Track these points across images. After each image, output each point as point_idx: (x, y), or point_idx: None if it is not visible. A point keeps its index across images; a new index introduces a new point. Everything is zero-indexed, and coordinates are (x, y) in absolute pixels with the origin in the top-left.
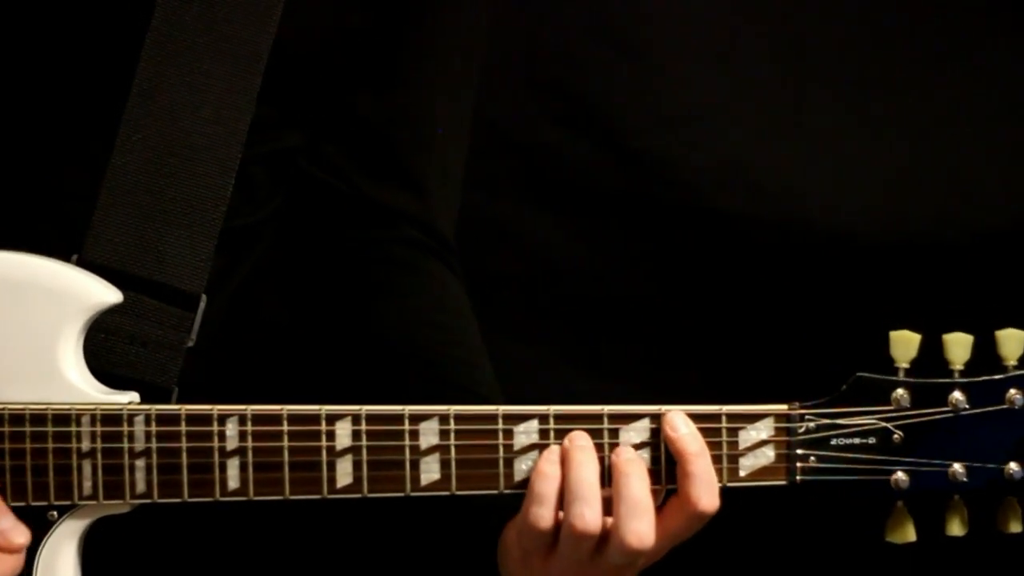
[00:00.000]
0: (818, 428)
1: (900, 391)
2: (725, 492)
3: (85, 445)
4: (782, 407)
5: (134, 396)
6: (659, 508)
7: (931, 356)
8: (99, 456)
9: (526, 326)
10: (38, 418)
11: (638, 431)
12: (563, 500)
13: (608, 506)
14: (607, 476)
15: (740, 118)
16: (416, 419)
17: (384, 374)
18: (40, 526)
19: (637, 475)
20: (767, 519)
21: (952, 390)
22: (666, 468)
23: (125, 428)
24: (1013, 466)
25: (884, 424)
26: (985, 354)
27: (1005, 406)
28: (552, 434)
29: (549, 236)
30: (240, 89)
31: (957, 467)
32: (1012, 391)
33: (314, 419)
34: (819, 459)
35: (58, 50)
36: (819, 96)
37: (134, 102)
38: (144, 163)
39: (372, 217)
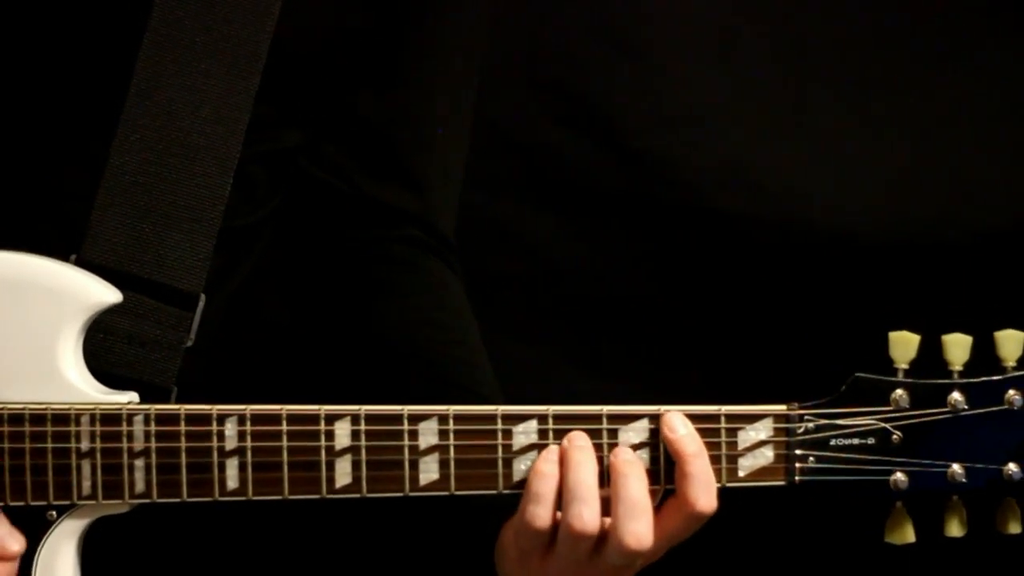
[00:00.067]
0: (817, 428)
1: (899, 392)
2: (724, 492)
3: (84, 445)
4: (781, 407)
5: (133, 396)
6: (657, 508)
7: (930, 357)
8: (98, 456)
9: (526, 326)
10: (37, 418)
11: (637, 431)
12: (561, 500)
13: (606, 506)
14: (606, 476)
15: (740, 118)
16: (415, 419)
17: (384, 373)
18: (39, 526)
19: (635, 476)
20: (766, 519)
21: (951, 391)
22: (665, 468)
23: (124, 428)
24: (1012, 467)
25: (883, 425)
26: (984, 355)
27: (1004, 407)
28: (551, 434)
29: (549, 236)
30: (239, 88)
31: (956, 468)
32: (1011, 392)
33: (313, 419)
34: (818, 459)
35: (57, 50)
36: (819, 96)
37: (132, 102)
38: (143, 163)
39: (372, 216)
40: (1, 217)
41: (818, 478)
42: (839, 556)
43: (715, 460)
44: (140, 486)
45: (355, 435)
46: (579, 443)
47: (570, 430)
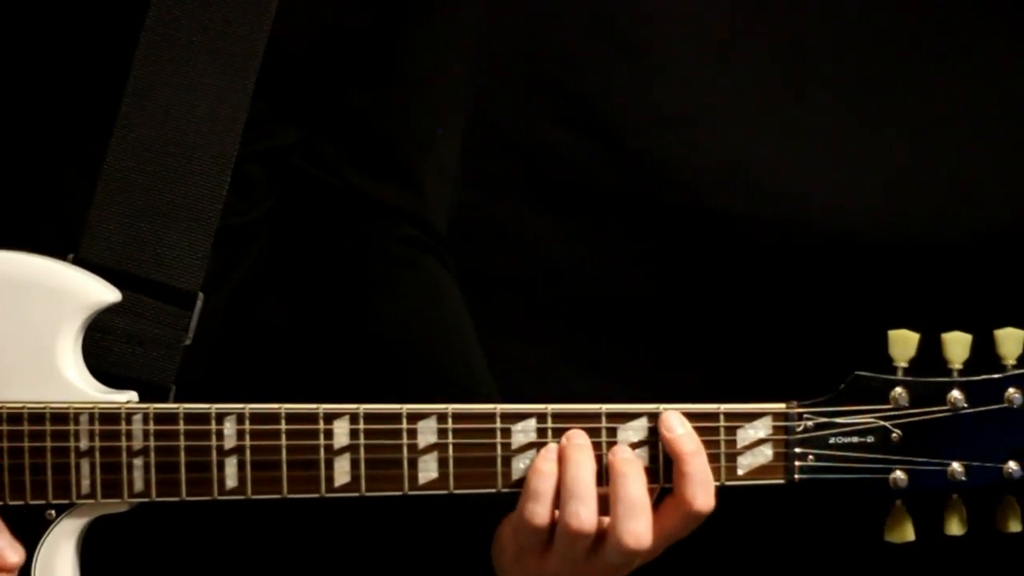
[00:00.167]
0: (816, 427)
1: (899, 390)
2: (723, 491)
3: (83, 444)
4: (780, 406)
5: (132, 395)
6: (654, 506)
7: (930, 355)
8: (97, 455)
9: (525, 326)
10: (36, 417)
11: (636, 430)
12: (559, 498)
13: (604, 505)
14: (604, 475)
15: (740, 118)
16: (414, 418)
17: (382, 370)
18: (38, 525)
19: (634, 475)
20: (765, 518)
21: (951, 389)
22: (664, 467)
23: (123, 427)
24: (1012, 465)
25: (883, 423)
26: (984, 353)
27: (1004, 405)
28: (550, 433)
29: (549, 236)
30: (236, 87)
31: (956, 466)
32: (1011, 390)
33: (312, 418)
34: (817, 458)
35: (53, 49)
36: (818, 96)
37: (129, 101)
38: (140, 162)
39: (368, 214)
40: None
41: (817, 476)
42: (839, 555)
43: (714, 459)
44: (139, 485)
45: (354, 434)
46: (577, 441)
47: (569, 429)
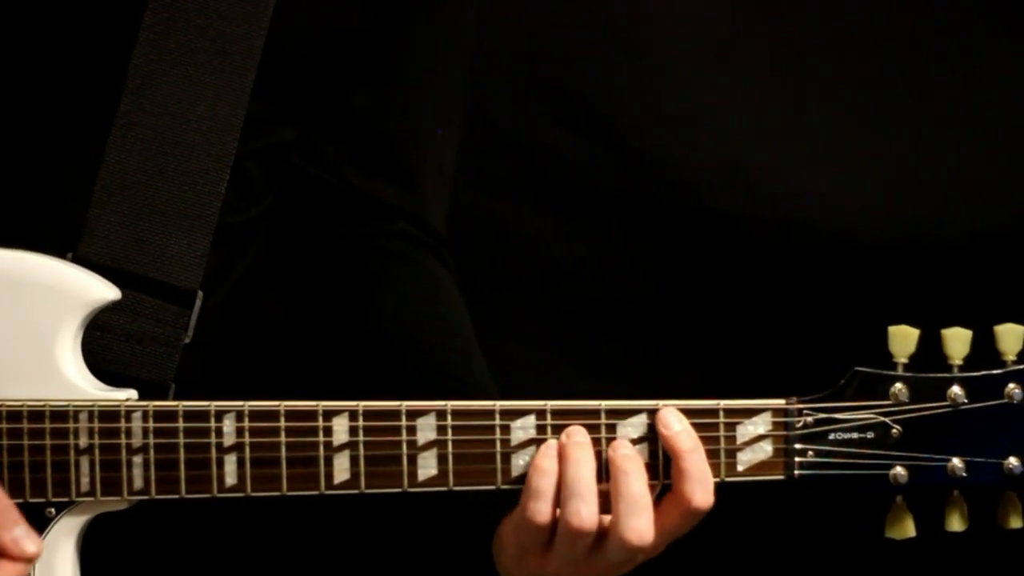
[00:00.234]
0: (816, 423)
1: (899, 385)
2: (723, 487)
3: (83, 441)
4: (780, 402)
5: (132, 393)
6: (654, 504)
7: (929, 351)
8: (97, 452)
9: (524, 326)
10: (36, 414)
11: (635, 426)
12: (560, 496)
13: (605, 501)
14: (604, 471)
15: (740, 118)
16: (413, 415)
17: (381, 366)
18: (38, 523)
19: (635, 472)
20: (765, 514)
21: (951, 384)
22: (663, 464)
23: (123, 424)
24: (1012, 460)
25: (883, 419)
26: (984, 349)
27: (1004, 400)
28: (549, 429)
29: (548, 236)
30: (234, 85)
31: (956, 462)
32: (1011, 385)
33: (311, 415)
34: (817, 453)
35: (52, 47)
36: (819, 96)
37: (128, 99)
38: (139, 160)
39: (366, 212)
40: None
41: (817, 472)
42: (839, 552)
43: (714, 455)
44: (138, 482)
45: (353, 431)
46: (577, 439)
47: (568, 425)
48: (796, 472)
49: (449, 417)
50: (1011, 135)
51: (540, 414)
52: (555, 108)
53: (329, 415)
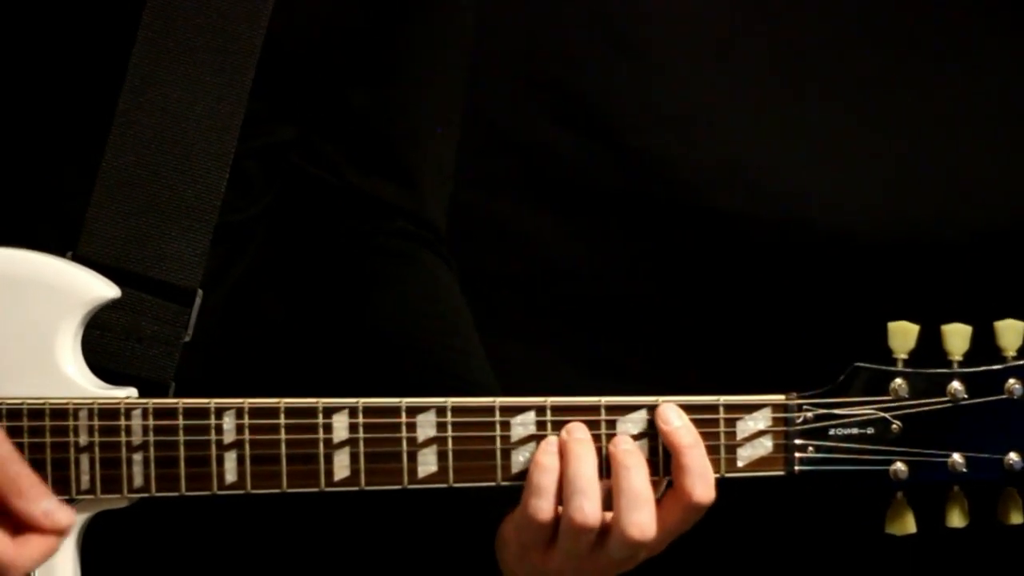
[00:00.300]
0: (816, 418)
1: (899, 381)
2: (723, 483)
3: (83, 439)
4: (780, 397)
5: (132, 391)
6: (657, 501)
7: (929, 347)
8: (96, 450)
9: (524, 325)
10: (35, 413)
11: (635, 422)
12: (562, 493)
13: (606, 497)
14: (605, 467)
15: (740, 117)
16: (413, 411)
17: (381, 364)
18: None
19: (637, 467)
20: (765, 510)
21: (951, 380)
22: (663, 459)
23: (122, 422)
24: (1013, 456)
25: (883, 414)
26: (983, 345)
27: (1004, 396)
28: (549, 426)
29: (547, 235)
30: (233, 84)
31: (956, 457)
32: (1011, 381)
33: (311, 412)
34: (817, 449)
35: (51, 47)
36: (818, 95)
37: (127, 98)
38: (138, 159)
39: (366, 210)
40: None
41: (817, 468)
42: (839, 547)
43: (714, 450)
44: (138, 480)
45: (353, 428)
46: (578, 435)
47: (568, 421)
48: (796, 468)
49: (449, 414)
50: (1010, 134)
51: (540, 410)
52: (555, 108)
53: (329, 412)
